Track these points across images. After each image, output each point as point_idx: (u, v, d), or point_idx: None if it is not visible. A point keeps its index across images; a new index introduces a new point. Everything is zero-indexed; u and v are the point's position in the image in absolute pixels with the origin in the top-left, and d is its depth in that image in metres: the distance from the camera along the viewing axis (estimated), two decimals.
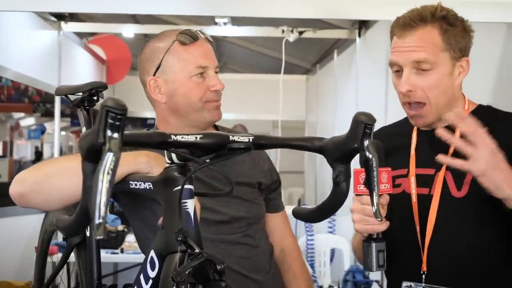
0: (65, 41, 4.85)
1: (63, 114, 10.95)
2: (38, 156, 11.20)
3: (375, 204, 1.06)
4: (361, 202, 1.40)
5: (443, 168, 1.50)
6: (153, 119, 6.20)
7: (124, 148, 1.46)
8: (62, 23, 4.68)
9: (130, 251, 4.03)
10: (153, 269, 1.20)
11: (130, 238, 4.04)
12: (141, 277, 1.23)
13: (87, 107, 1.73)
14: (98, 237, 0.81)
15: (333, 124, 5.37)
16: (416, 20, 1.48)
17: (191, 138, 1.05)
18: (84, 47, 5.46)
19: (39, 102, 9.40)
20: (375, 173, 1.05)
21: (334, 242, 4.41)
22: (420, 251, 1.50)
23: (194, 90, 1.65)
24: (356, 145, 1.05)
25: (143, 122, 8.19)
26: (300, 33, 4.55)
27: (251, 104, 7.33)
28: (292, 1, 3.42)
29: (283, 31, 4.58)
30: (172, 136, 1.03)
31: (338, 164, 1.09)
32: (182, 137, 1.04)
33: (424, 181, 1.53)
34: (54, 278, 1.81)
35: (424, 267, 1.49)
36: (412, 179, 1.55)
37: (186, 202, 1.15)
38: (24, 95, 9.15)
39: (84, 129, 1.72)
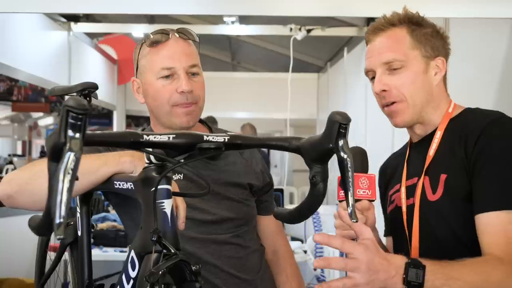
0: (75, 42, 4.89)
1: None
2: None
3: (350, 205, 1.05)
4: (343, 208, 1.40)
5: (422, 175, 1.49)
6: None
7: (108, 148, 1.47)
8: (72, 23, 4.71)
9: None
10: (133, 269, 1.20)
11: None
12: (123, 277, 1.23)
13: None
14: (58, 237, 0.81)
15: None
16: (385, 24, 1.53)
17: (163, 138, 1.04)
18: (95, 47, 5.49)
19: (56, 101, 9.50)
20: (350, 173, 1.04)
21: None
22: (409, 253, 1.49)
23: (161, 92, 1.63)
24: (331, 145, 1.04)
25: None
26: (308, 31, 4.53)
27: (264, 103, 7.32)
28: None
29: (291, 29, 4.56)
30: (144, 136, 1.03)
31: (314, 165, 1.08)
32: (154, 137, 1.04)
33: (411, 191, 1.53)
34: (49, 276, 1.82)
35: None
36: (403, 193, 1.55)
37: (163, 202, 1.15)
38: (41, 95, 9.24)
39: None
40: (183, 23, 6.16)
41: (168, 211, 1.15)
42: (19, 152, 12.58)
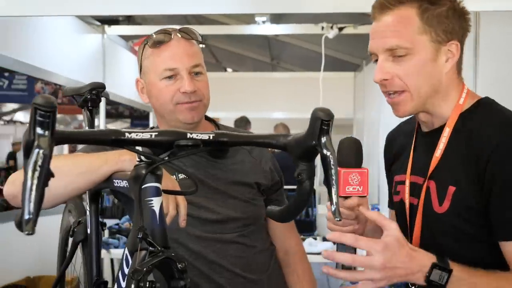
0: (109, 44, 4.97)
1: (122, 115, 11.25)
2: None
3: (334, 203, 1.03)
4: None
5: (427, 178, 1.39)
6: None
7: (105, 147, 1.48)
8: (106, 26, 4.79)
9: None
10: (127, 266, 1.21)
11: None
12: (120, 274, 1.24)
13: (90, 108, 1.77)
14: (25, 233, 0.82)
15: (378, 121, 5.26)
16: (393, 0, 1.34)
17: (145, 136, 1.04)
18: (130, 49, 5.56)
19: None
20: (333, 171, 1.02)
21: None
22: None
23: (164, 93, 1.64)
24: (314, 142, 1.02)
25: None
26: (340, 29, 4.48)
27: (301, 102, 7.27)
28: None
29: (322, 28, 4.52)
30: (126, 134, 1.03)
31: (300, 162, 1.06)
32: (136, 135, 1.04)
33: (415, 190, 1.44)
34: (63, 273, 1.85)
35: None
36: (407, 188, 1.47)
37: (151, 200, 1.15)
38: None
39: (86, 129, 1.77)
40: (216, 23, 6.19)
41: (156, 208, 1.15)
42: (66, 152, 12.87)
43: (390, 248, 1.23)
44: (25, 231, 0.83)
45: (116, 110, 10.14)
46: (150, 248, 1.11)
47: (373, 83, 1.42)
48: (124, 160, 1.40)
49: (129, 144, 1.05)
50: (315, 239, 4.06)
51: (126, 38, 5.55)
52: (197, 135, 1.07)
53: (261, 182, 1.75)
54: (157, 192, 1.16)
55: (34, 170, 0.84)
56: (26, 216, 0.83)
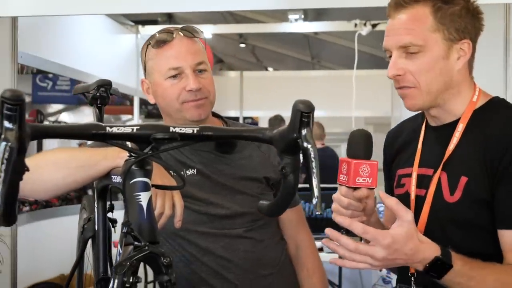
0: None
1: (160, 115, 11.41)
2: None
3: (315, 196, 1.00)
4: (341, 192, 1.35)
5: (439, 169, 1.40)
6: (237, 118, 6.28)
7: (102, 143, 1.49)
8: (140, 26, 4.85)
9: None
10: None
11: None
12: None
13: (99, 105, 1.78)
14: None
15: None
16: None
17: (126, 130, 1.04)
18: None
19: (141, 104, 9.85)
20: (313, 164, 1.00)
21: None
22: None
23: (169, 92, 1.65)
24: (295, 135, 1.01)
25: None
26: (374, 25, 4.41)
27: (339, 100, 7.21)
28: None
29: (355, 25, 4.47)
30: (107, 128, 1.03)
31: (285, 156, 1.05)
32: (118, 129, 1.04)
33: (423, 182, 1.44)
34: (74, 271, 1.87)
35: (412, 269, 1.41)
36: (413, 179, 1.46)
37: (139, 195, 1.14)
38: (126, 98, 9.61)
39: None
40: (252, 21, 6.19)
41: (144, 203, 1.15)
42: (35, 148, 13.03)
43: (396, 242, 1.24)
44: None
45: (157, 110, 10.26)
46: (136, 242, 1.10)
47: None
48: (123, 157, 1.39)
49: (110, 138, 1.05)
50: None
51: None
52: (180, 129, 1.07)
53: (270, 176, 1.73)
54: (145, 187, 1.15)
55: (1, 163, 0.84)
56: None
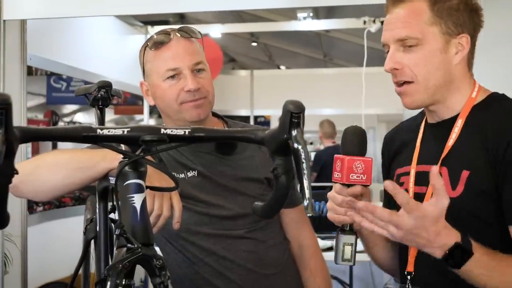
0: None
1: None
2: None
3: (306, 198, 1.00)
4: (335, 190, 1.33)
5: (439, 164, 1.38)
6: (248, 117, 6.27)
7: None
8: (149, 27, 4.86)
9: None
10: None
11: None
12: None
13: (100, 106, 1.79)
14: None
15: None
16: None
17: (117, 132, 1.04)
18: None
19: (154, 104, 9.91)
20: (304, 165, 0.99)
21: None
22: (407, 250, 1.42)
23: (168, 93, 1.65)
24: (286, 136, 1.00)
25: (242, 120, 8.31)
26: (383, 22, 4.37)
27: (351, 98, 7.18)
28: None
29: (364, 22, 4.44)
30: (98, 130, 1.03)
31: (276, 157, 1.05)
32: (108, 131, 1.04)
33: (423, 179, 1.42)
34: (77, 272, 1.88)
35: (410, 268, 1.40)
36: (412, 177, 1.45)
37: (132, 196, 1.15)
38: (138, 98, 9.66)
39: None
40: (262, 20, 6.18)
41: (137, 205, 1.15)
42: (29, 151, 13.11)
43: (426, 218, 1.21)
44: None
45: None
46: (129, 245, 1.10)
47: None
48: (120, 158, 1.40)
49: (101, 141, 1.05)
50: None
51: None
52: (171, 131, 1.06)
53: (271, 177, 1.72)
54: (139, 189, 1.15)
55: None
56: None
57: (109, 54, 4.47)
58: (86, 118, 12.25)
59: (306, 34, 7.45)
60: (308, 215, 1.02)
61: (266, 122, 9.58)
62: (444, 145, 1.39)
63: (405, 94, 1.40)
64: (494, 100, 1.42)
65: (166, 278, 1.11)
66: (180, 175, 1.70)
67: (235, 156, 1.72)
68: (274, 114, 8.44)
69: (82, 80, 8.20)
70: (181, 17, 7.52)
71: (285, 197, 1.08)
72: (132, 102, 9.78)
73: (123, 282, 1.06)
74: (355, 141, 1.32)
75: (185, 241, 1.70)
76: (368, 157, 1.30)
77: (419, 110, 1.55)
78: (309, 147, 11.86)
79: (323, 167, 6.16)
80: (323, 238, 3.71)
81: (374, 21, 4.41)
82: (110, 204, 1.64)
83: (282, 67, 11.02)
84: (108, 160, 1.41)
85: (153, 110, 10.31)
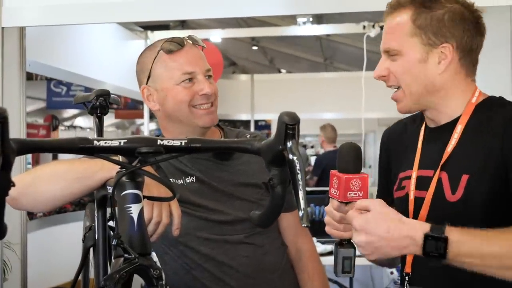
0: None
1: None
2: None
3: (301, 209, 1.00)
4: (333, 206, 1.34)
5: (438, 169, 1.41)
6: (248, 121, 6.26)
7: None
8: (149, 32, 4.88)
9: None
10: None
11: None
12: None
13: (99, 114, 1.79)
14: None
15: None
16: (395, 4, 1.44)
17: (114, 143, 1.04)
18: None
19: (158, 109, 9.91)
20: (299, 176, 1.00)
21: None
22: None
23: (182, 96, 1.67)
24: (281, 147, 1.01)
25: (243, 124, 8.31)
26: (382, 27, 4.39)
27: (351, 102, 7.20)
28: None
29: (364, 27, 4.46)
30: (95, 142, 1.04)
31: (272, 167, 1.06)
32: (105, 142, 1.05)
33: (423, 184, 1.44)
34: (77, 278, 1.88)
35: (407, 269, 1.43)
36: (413, 181, 1.47)
37: (130, 207, 1.15)
38: (139, 102, 9.68)
39: (95, 135, 1.80)
40: (263, 25, 6.20)
41: (135, 215, 1.15)
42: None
43: (368, 223, 1.24)
44: None
45: None
46: (126, 255, 1.11)
47: None
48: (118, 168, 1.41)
49: (98, 152, 1.05)
50: None
51: None
52: (168, 142, 1.07)
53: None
54: (136, 199, 1.16)
55: None
56: None
57: (109, 59, 4.48)
58: (86, 122, 12.20)
59: (306, 38, 7.46)
60: (303, 225, 1.02)
61: (267, 125, 9.59)
62: (443, 150, 1.41)
63: (396, 100, 1.47)
64: (492, 103, 1.44)
65: None
66: (179, 181, 1.71)
67: (232, 161, 1.74)
68: (275, 118, 8.44)
69: (82, 85, 8.23)
70: (182, 22, 7.54)
71: (281, 207, 1.09)
72: (132, 106, 9.81)
73: None
74: (351, 158, 1.32)
75: (184, 246, 1.71)
76: (364, 174, 1.32)
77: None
78: (310, 151, 11.87)
79: (324, 171, 6.17)
80: (323, 243, 3.71)
81: (373, 26, 4.43)
82: (109, 211, 1.66)
83: (283, 70, 11.04)
84: (106, 169, 1.42)
85: (153, 115, 10.37)
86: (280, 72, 11.08)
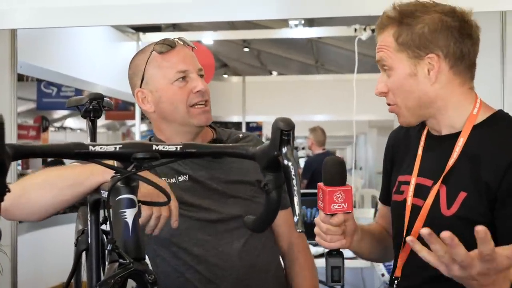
0: None
1: None
2: None
3: (296, 214, 1.01)
4: (320, 217, 1.37)
5: (439, 182, 1.40)
6: (240, 123, 6.27)
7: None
8: (141, 34, 4.87)
9: None
10: None
11: None
12: None
13: (92, 118, 1.80)
14: None
15: None
16: (380, 24, 1.47)
17: (109, 148, 1.05)
18: None
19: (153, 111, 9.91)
20: (294, 181, 1.00)
21: None
22: (397, 256, 1.45)
23: (177, 95, 1.68)
24: (276, 153, 1.02)
25: (234, 126, 8.32)
26: (373, 30, 4.41)
27: (343, 104, 7.22)
28: None
29: (355, 30, 4.48)
30: (90, 147, 1.04)
31: (267, 172, 1.06)
32: (100, 148, 1.05)
33: (421, 192, 1.45)
34: (69, 282, 1.88)
35: (397, 273, 1.44)
36: (411, 187, 1.47)
37: (124, 212, 1.15)
38: (130, 103, 9.66)
39: (88, 139, 1.79)
40: (252, 26, 6.21)
41: (129, 220, 1.15)
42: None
43: (491, 270, 1.15)
44: None
45: None
46: (121, 260, 1.11)
47: None
48: (110, 172, 1.41)
49: (93, 157, 1.05)
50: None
51: None
52: (163, 147, 1.08)
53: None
54: (131, 204, 1.16)
55: None
56: None
57: (101, 61, 4.47)
58: (76, 123, 12.12)
59: (298, 40, 7.48)
60: (298, 230, 1.02)
61: (258, 127, 9.60)
62: (445, 163, 1.40)
63: (396, 115, 1.47)
64: (496, 121, 1.42)
65: None
66: (171, 180, 1.71)
67: (225, 159, 1.74)
68: (266, 120, 8.46)
69: (72, 86, 8.20)
70: (174, 24, 7.54)
71: (276, 212, 1.09)
72: (123, 107, 9.81)
73: None
74: (334, 171, 1.34)
75: (177, 247, 1.71)
76: (348, 186, 1.33)
77: None
78: (301, 152, 11.88)
79: (314, 173, 6.18)
80: (314, 245, 3.72)
81: (364, 29, 4.44)
82: (102, 214, 1.65)
83: (274, 72, 11.05)
84: (96, 174, 1.41)
85: (145, 116, 10.37)
86: (271, 73, 11.10)
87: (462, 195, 1.35)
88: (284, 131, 1.00)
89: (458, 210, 1.35)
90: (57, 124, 11.32)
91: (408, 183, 1.49)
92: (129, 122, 12.50)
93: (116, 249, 1.11)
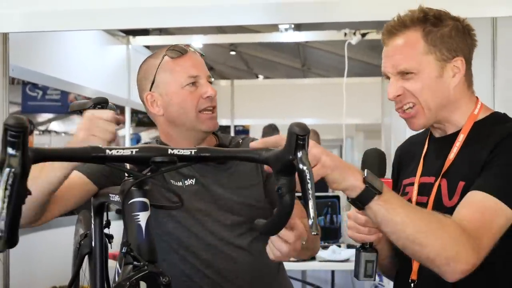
0: (135, 55, 5.04)
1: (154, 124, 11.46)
2: None
3: (311, 218, 1.03)
4: (357, 210, 1.36)
5: (440, 177, 1.46)
6: (228, 126, 6.28)
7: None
8: (131, 37, 4.87)
9: None
10: None
11: None
12: None
13: None
14: None
15: (405, 126, 5.18)
16: (398, 26, 1.46)
17: (126, 152, 1.06)
18: None
19: (132, 113, 9.89)
20: (309, 185, 1.03)
21: None
22: (411, 260, 1.45)
23: (188, 99, 1.71)
24: (291, 157, 1.04)
25: (221, 129, 8.31)
26: (363, 35, 4.46)
27: (331, 108, 7.26)
28: (357, 4, 3.35)
29: (345, 34, 4.52)
30: (107, 151, 1.05)
31: (281, 176, 1.08)
32: (117, 151, 1.06)
33: (425, 190, 1.49)
34: (71, 285, 1.88)
35: (413, 276, 1.45)
36: (415, 187, 1.52)
37: (138, 215, 1.17)
38: (117, 106, 9.63)
39: None
40: (242, 31, 6.22)
41: (142, 223, 1.17)
42: None
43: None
44: None
45: (148, 118, 10.28)
46: (135, 262, 1.13)
47: None
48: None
49: (110, 161, 1.07)
50: (339, 246, 4.03)
51: (151, 48, 5.63)
52: (178, 151, 1.09)
53: (267, 182, 1.78)
54: (144, 207, 1.18)
55: (5, 189, 0.86)
56: None
57: (91, 64, 4.47)
58: (61, 126, 12.05)
59: (285, 43, 7.50)
60: (313, 233, 1.04)
61: (245, 131, 9.61)
62: (445, 159, 1.47)
63: (411, 118, 1.48)
64: (495, 119, 1.49)
65: None
66: (178, 183, 1.73)
67: (230, 163, 1.77)
68: (254, 123, 8.46)
69: (59, 90, 8.15)
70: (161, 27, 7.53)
71: (289, 215, 1.11)
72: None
73: None
74: (375, 164, 1.37)
75: (185, 251, 1.73)
76: (388, 179, 1.37)
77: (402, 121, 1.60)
78: None
79: None
80: (323, 248, 3.76)
81: (354, 33, 4.48)
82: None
83: (261, 76, 11.07)
84: (46, 171, 1.44)
85: (133, 119, 10.30)
86: (257, 77, 11.11)
87: (461, 184, 1.41)
88: (300, 136, 1.02)
89: (458, 199, 1.39)
90: (42, 128, 11.21)
91: (412, 184, 1.54)
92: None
93: (130, 252, 1.12)
